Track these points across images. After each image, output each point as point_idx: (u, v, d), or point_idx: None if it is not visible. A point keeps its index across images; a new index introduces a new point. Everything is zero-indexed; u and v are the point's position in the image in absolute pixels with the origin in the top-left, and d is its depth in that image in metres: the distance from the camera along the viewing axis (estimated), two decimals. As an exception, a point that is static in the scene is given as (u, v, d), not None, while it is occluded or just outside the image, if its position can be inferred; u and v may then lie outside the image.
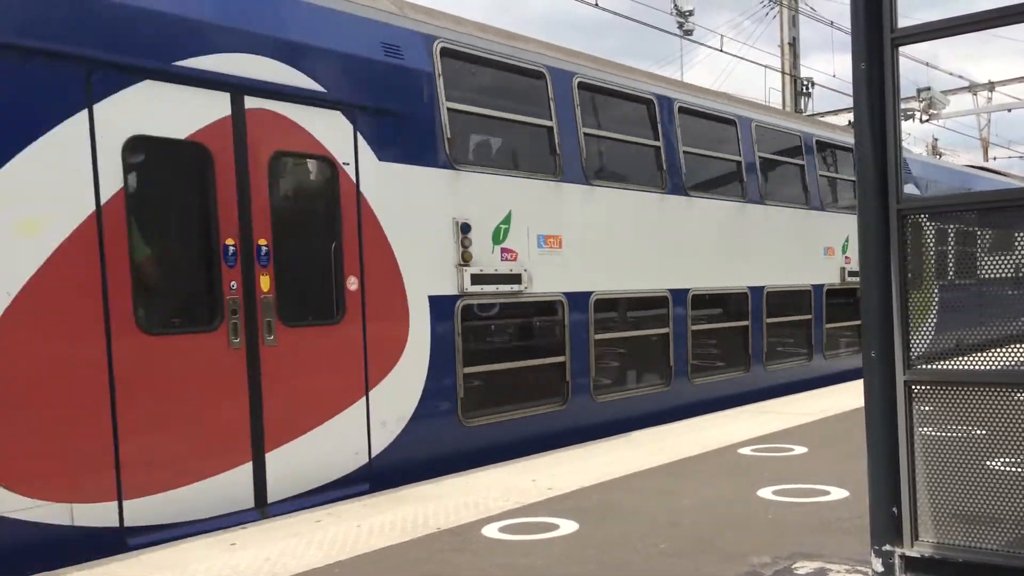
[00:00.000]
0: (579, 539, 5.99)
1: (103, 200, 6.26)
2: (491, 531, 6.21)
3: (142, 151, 6.58)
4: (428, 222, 8.44)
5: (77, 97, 6.11)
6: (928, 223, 3.91)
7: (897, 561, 3.86)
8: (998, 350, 3.73)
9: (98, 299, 6.17)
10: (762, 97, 29.71)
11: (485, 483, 7.79)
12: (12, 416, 5.80)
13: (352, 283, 7.62)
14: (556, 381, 9.75)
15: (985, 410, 3.68)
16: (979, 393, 3.70)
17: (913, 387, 3.82)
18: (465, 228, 8.56)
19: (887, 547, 3.87)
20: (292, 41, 7.43)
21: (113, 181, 6.38)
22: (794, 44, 29.00)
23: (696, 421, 10.66)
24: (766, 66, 29.21)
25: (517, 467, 8.49)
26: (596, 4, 20.83)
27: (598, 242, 10.26)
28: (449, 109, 8.62)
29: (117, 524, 6.24)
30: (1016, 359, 3.70)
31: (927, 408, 3.85)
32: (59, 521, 5.95)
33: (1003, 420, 3.64)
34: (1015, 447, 3.64)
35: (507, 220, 8.95)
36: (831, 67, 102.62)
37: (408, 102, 8.21)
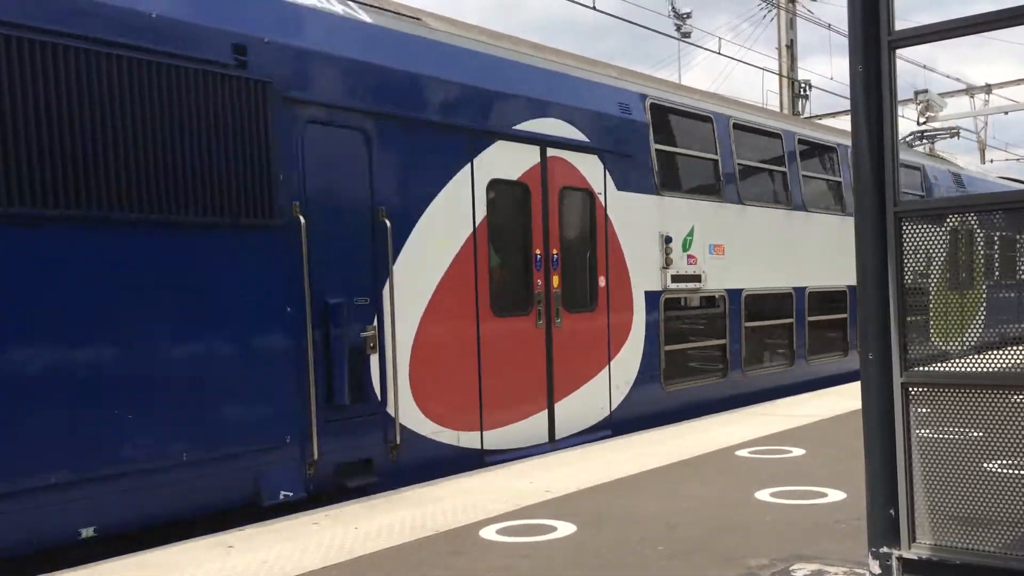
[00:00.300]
0: (577, 541, 5.41)
1: (476, 223, 8.34)
2: (489, 533, 5.69)
3: (495, 189, 8.57)
4: (645, 235, 10.40)
5: (466, 154, 8.29)
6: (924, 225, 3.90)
7: (894, 563, 3.53)
8: (995, 352, 3.41)
9: (471, 292, 8.29)
10: (759, 100, 29.75)
11: (483, 485, 7.00)
12: (431, 368, 7.87)
13: (601, 281, 9.82)
14: (719, 358, 11.75)
15: (982, 412, 3.41)
16: (976, 395, 3.42)
17: (910, 389, 3.52)
18: (668, 239, 10.72)
19: (884, 549, 3.56)
20: (571, 106, 9.44)
21: (481, 210, 8.37)
22: (792, 47, 25.50)
23: (694, 423, 9.94)
24: (763, 68, 29.01)
25: (515, 469, 7.60)
26: (594, 6, 19.40)
27: (746, 249, 12.05)
28: (656, 149, 10.60)
29: (479, 447, 8.34)
30: (1013, 361, 3.37)
31: (924, 410, 3.52)
32: (451, 442, 8.09)
33: (1000, 422, 3.35)
34: (1012, 449, 3.32)
35: (691, 233, 11.11)
36: (829, 69, 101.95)
37: (633, 146, 10.27)
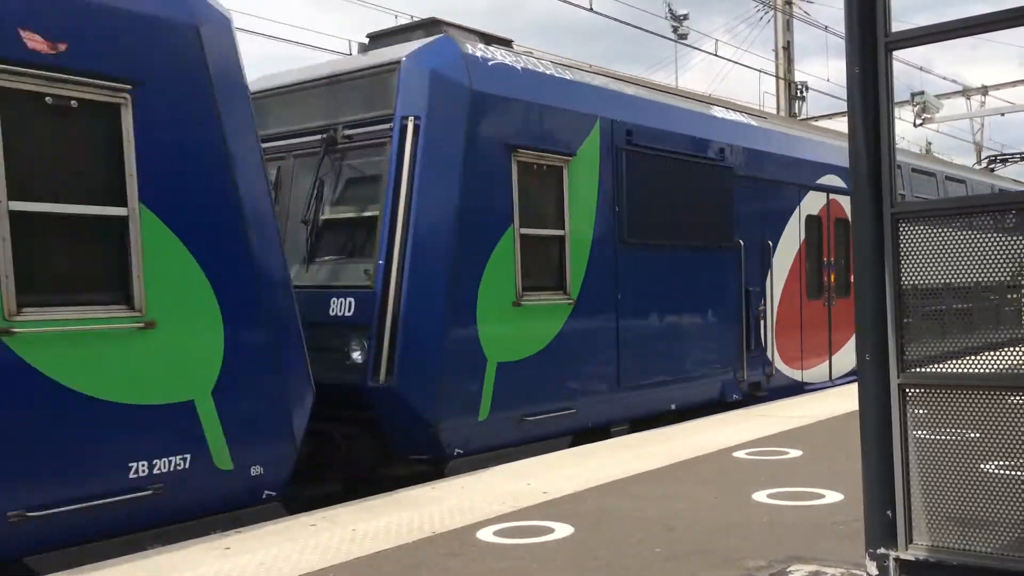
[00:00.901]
0: (574, 543, 5.34)
1: (800, 242, 13.12)
2: (486, 535, 5.52)
3: (807, 221, 13.30)
4: None
5: (797, 200, 13.29)
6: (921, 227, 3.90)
7: (892, 564, 3.54)
8: (992, 353, 3.40)
9: (799, 284, 13.03)
10: (756, 102, 29.83)
11: (481, 487, 6.90)
12: (783, 329, 12.84)
13: (851, 278, 14.44)
14: None
15: (979, 413, 3.41)
16: (973, 396, 3.42)
17: (907, 390, 3.53)
18: None
19: (882, 550, 3.57)
20: (837, 165, 13.84)
21: (802, 234, 13.20)
22: (788, 48, 25.06)
23: (692, 424, 9.93)
24: (760, 70, 29.17)
25: (512, 471, 7.50)
26: (591, 8, 18.57)
27: None
28: None
29: (800, 380, 13.08)
30: (1009, 362, 3.35)
31: (921, 411, 3.52)
32: (789, 375, 12.86)
33: (997, 423, 3.36)
34: (1009, 450, 3.32)
35: None
36: (825, 71, 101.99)
37: None
